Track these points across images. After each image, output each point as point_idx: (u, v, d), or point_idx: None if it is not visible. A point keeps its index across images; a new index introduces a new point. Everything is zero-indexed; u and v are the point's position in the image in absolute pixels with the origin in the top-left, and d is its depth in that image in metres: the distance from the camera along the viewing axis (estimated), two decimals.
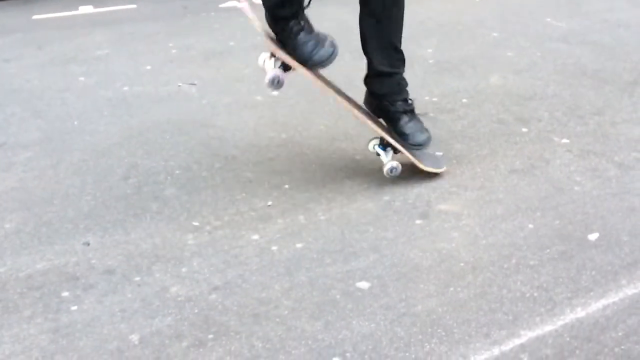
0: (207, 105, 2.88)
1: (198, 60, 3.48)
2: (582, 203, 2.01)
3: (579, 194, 2.06)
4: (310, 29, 2.01)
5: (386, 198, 2.08)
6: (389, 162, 2.05)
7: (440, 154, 2.27)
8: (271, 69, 1.92)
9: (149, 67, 3.40)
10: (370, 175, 2.19)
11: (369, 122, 2.10)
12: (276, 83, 1.89)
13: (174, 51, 3.66)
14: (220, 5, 4.72)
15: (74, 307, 1.62)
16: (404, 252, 1.80)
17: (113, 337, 1.52)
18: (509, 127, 2.56)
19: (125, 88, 3.12)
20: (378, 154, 2.17)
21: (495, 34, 3.78)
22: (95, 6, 4.78)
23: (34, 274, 1.75)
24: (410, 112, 2.13)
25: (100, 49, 3.75)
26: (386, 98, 2.11)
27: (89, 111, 2.85)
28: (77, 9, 4.72)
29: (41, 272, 1.76)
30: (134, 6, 4.79)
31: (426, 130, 2.12)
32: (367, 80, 2.16)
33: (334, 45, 2.00)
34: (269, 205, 2.04)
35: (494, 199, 2.05)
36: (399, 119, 2.09)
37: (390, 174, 2.01)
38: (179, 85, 3.13)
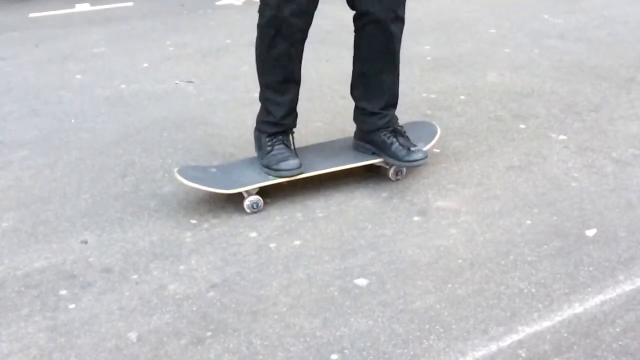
0: (204, 102, 2.88)
1: (195, 58, 3.48)
2: (579, 199, 2.02)
3: (577, 190, 2.07)
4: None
5: (384, 195, 2.08)
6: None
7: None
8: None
9: (146, 65, 3.39)
10: (368, 172, 2.19)
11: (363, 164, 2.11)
12: (256, 207, 1.98)
13: (171, 49, 3.65)
14: (217, 3, 4.71)
15: (72, 305, 1.62)
16: (402, 249, 1.80)
17: (111, 335, 1.52)
18: (506, 123, 2.57)
19: (123, 86, 3.11)
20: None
21: (492, 31, 3.78)
22: (92, 4, 4.77)
23: (32, 273, 1.75)
24: (397, 134, 2.10)
25: (97, 46, 3.74)
26: (372, 132, 2.11)
27: (86, 109, 2.85)
28: (73, 7, 4.71)
29: (39, 270, 1.76)
30: (130, 4, 4.78)
31: (419, 149, 2.08)
32: (354, 114, 2.18)
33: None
34: (267, 203, 2.04)
35: (491, 195, 2.06)
36: (391, 144, 2.08)
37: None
38: (176, 83, 3.12)
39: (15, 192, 2.17)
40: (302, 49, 2.02)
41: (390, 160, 2.09)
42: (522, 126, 2.54)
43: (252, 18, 4.41)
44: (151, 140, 2.52)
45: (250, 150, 2.41)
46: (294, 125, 2.13)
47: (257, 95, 2.98)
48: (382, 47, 2.03)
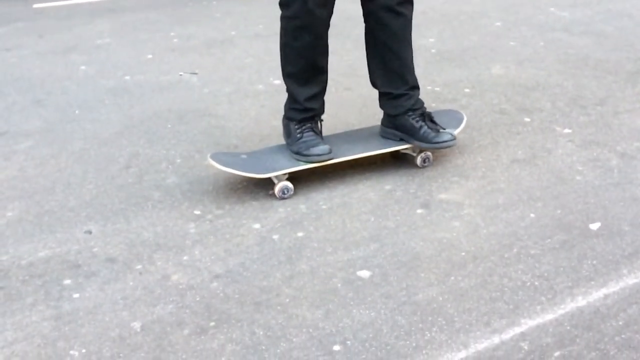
0: (208, 94, 2.88)
1: (199, 49, 3.47)
2: (583, 193, 2.01)
3: (581, 184, 2.06)
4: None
5: (387, 187, 2.07)
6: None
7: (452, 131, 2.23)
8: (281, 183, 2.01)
9: (150, 56, 3.39)
10: (371, 164, 2.18)
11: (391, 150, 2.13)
12: (286, 192, 2.01)
13: (175, 40, 3.65)
14: None
15: (76, 295, 1.63)
16: (405, 241, 1.80)
17: (115, 325, 1.52)
18: (511, 117, 2.56)
19: (127, 77, 3.11)
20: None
21: (498, 24, 3.76)
22: None
23: (36, 262, 1.76)
24: (425, 118, 2.12)
25: (102, 37, 3.74)
26: (401, 116, 2.13)
27: (90, 100, 2.85)
28: None
29: (43, 260, 1.77)
30: None
31: (447, 132, 2.11)
32: (379, 102, 2.20)
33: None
34: (270, 194, 2.05)
35: (495, 188, 2.05)
36: (419, 127, 2.10)
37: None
38: (180, 74, 3.12)
39: (19, 182, 2.17)
40: (327, 38, 2.02)
41: (419, 144, 2.11)
42: (527, 119, 2.53)
43: (257, 10, 4.38)
44: (155, 131, 2.53)
45: (253, 141, 2.41)
46: (322, 112, 2.13)
47: (260, 87, 2.98)
48: (396, 30, 2.05)
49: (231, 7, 4.32)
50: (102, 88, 2.98)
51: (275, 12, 4.44)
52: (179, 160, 2.29)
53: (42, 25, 4.04)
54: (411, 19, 2.08)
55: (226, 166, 1.98)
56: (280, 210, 1.96)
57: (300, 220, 1.91)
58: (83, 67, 3.26)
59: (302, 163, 2.04)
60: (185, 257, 1.76)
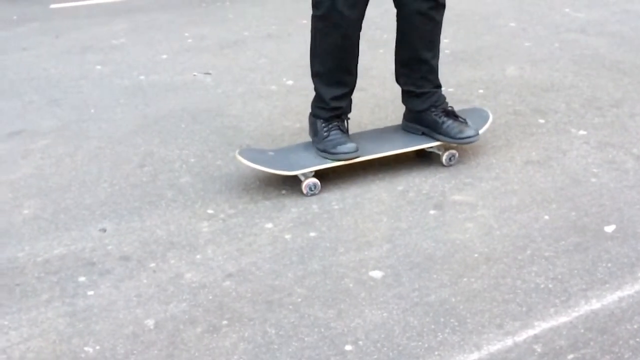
0: (222, 94, 2.89)
1: (213, 50, 3.49)
2: (598, 195, 1.99)
3: (596, 186, 2.04)
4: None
5: (400, 188, 2.07)
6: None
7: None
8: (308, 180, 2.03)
9: (164, 56, 3.41)
10: (384, 165, 2.18)
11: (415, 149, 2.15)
12: (314, 188, 2.03)
13: (189, 41, 3.67)
14: None
15: (91, 292, 1.65)
16: (418, 242, 1.79)
17: (129, 322, 1.54)
18: (525, 118, 2.54)
19: (142, 77, 3.14)
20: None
21: (512, 24, 3.73)
22: None
23: (52, 259, 1.78)
24: (448, 114, 2.13)
25: (117, 38, 3.77)
26: (423, 112, 2.15)
27: (106, 99, 2.88)
28: None
29: (58, 257, 1.79)
30: None
31: (470, 127, 2.12)
32: (402, 98, 2.22)
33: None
34: (283, 194, 2.05)
35: (509, 190, 2.04)
36: (442, 123, 2.11)
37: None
38: (194, 75, 3.14)
39: (36, 181, 2.20)
40: (358, 39, 2.04)
41: (442, 138, 2.11)
42: (542, 121, 2.51)
43: (270, 11, 4.38)
44: (169, 131, 2.54)
45: (266, 141, 2.42)
46: (349, 110, 2.15)
47: (273, 87, 2.98)
48: (426, 34, 2.07)
49: (244, 8, 4.33)
50: (117, 88, 3.01)
51: (287, 13, 4.44)
52: (192, 160, 2.31)
53: (58, 25, 4.09)
54: (441, 23, 2.10)
55: (254, 163, 2.00)
56: (292, 210, 1.96)
57: (312, 220, 1.91)
58: (98, 67, 3.29)
59: (328, 161, 2.05)
60: (198, 256, 1.77)
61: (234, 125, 2.57)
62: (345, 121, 2.13)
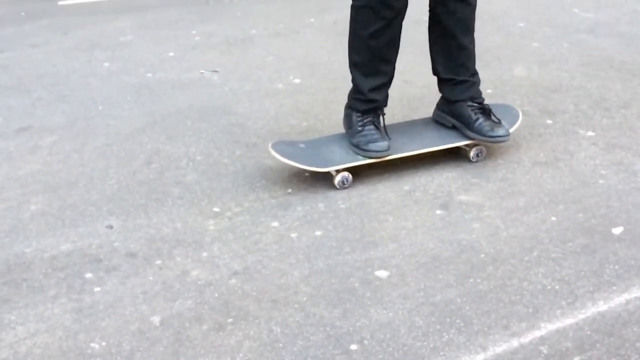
0: (228, 92, 2.89)
1: (220, 48, 3.49)
2: (606, 196, 1.98)
3: (604, 188, 2.03)
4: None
5: (406, 188, 2.07)
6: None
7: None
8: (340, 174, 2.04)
9: (172, 54, 3.42)
10: (390, 164, 2.18)
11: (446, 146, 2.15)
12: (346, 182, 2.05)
13: (196, 38, 3.68)
14: None
15: (97, 288, 1.65)
16: (424, 242, 1.79)
17: (135, 318, 1.54)
18: (533, 118, 2.53)
19: (149, 74, 3.14)
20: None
21: (521, 24, 3.72)
22: None
23: (59, 255, 1.79)
24: (484, 112, 2.13)
25: (124, 35, 3.78)
26: (460, 102, 2.15)
27: (113, 96, 2.89)
28: None
29: (65, 253, 1.79)
30: None
31: (503, 126, 2.11)
32: (439, 87, 2.22)
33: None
34: (289, 193, 2.05)
35: (516, 190, 2.03)
36: (476, 119, 2.11)
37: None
38: (201, 72, 3.14)
39: (43, 177, 2.21)
40: (399, 30, 2.02)
41: (473, 135, 2.12)
42: (549, 121, 2.50)
43: (278, 9, 4.38)
44: (176, 128, 2.55)
45: (273, 139, 2.42)
46: (385, 105, 2.14)
47: (280, 85, 2.98)
48: (463, 18, 2.07)
49: (252, 6, 4.33)
50: (124, 85, 3.02)
51: (295, 12, 4.43)
52: (199, 157, 2.31)
53: (67, 22, 4.10)
54: (476, 6, 2.09)
55: (288, 158, 2.01)
56: (298, 209, 1.96)
57: (318, 219, 1.91)
58: (106, 64, 3.30)
59: (360, 158, 2.05)
60: (204, 254, 1.77)
61: (240, 123, 2.57)
62: (381, 116, 2.12)
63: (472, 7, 2.08)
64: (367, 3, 1.95)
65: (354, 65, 2.08)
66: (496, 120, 2.13)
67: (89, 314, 1.56)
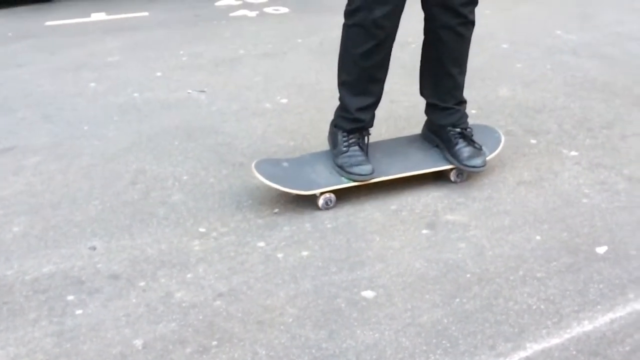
0: (216, 112, 2.90)
1: (208, 68, 3.51)
2: (590, 216, 2.00)
3: (587, 207, 2.05)
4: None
5: (393, 207, 2.07)
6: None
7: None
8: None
9: (159, 74, 3.43)
10: (377, 184, 2.18)
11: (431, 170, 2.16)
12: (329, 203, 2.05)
13: (184, 58, 3.69)
14: (231, 14, 4.75)
15: (79, 311, 1.62)
16: (410, 262, 1.79)
17: (117, 342, 1.52)
18: (517, 138, 2.56)
19: (136, 94, 3.14)
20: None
21: (505, 46, 3.78)
22: (108, 13, 4.84)
23: (40, 277, 1.76)
24: (464, 137, 2.15)
25: (112, 55, 3.79)
26: (442, 127, 2.17)
27: (99, 116, 2.88)
28: (89, 16, 4.77)
29: (47, 275, 1.77)
30: (146, 14, 4.83)
31: (482, 154, 2.13)
32: (425, 109, 2.24)
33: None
34: (275, 213, 2.04)
35: (501, 210, 2.04)
36: (455, 144, 2.13)
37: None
38: (189, 92, 3.15)
39: (26, 197, 2.19)
40: (389, 51, 2.04)
41: (450, 159, 2.14)
42: (533, 141, 2.53)
43: (266, 30, 4.40)
44: (162, 148, 2.54)
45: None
46: (371, 125, 2.15)
47: (268, 105, 2.99)
48: (454, 50, 2.09)
49: (241, 26, 4.36)
50: (111, 105, 3.01)
51: (283, 33, 4.46)
52: (185, 177, 2.30)
53: (53, 42, 4.10)
54: (470, 39, 2.12)
55: (270, 180, 2.00)
56: (285, 229, 1.96)
57: (305, 239, 1.91)
58: (93, 84, 3.30)
59: (344, 180, 2.06)
60: (189, 275, 1.76)
61: (227, 142, 2.57)
62: (366, 137, 2.13)
63: (464, 39, 2.09)
64: (359, 22, 1.96)
65: (342, 84, 2.09)
66: (477, 146, 2.14)
67: (70, 337, 1.54)
